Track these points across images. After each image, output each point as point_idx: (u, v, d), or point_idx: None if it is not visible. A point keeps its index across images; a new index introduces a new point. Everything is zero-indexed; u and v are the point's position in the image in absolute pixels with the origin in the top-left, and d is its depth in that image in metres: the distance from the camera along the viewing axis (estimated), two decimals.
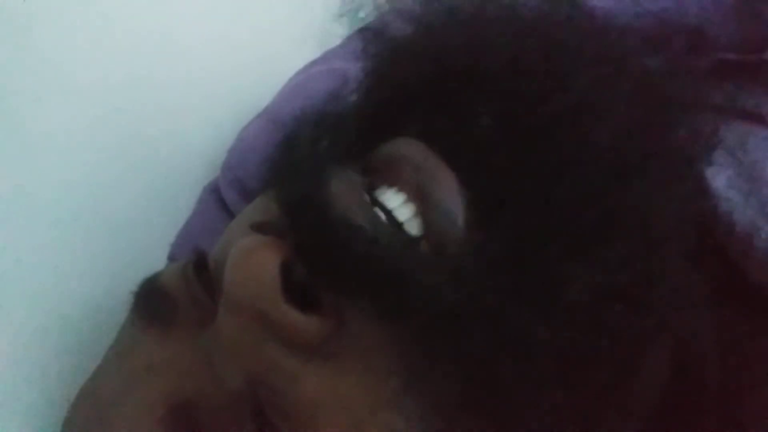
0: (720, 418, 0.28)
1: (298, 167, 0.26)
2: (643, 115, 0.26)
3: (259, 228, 0.27)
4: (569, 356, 0.23)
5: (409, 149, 0.26)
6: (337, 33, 0.32)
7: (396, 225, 0.25)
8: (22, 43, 0.37)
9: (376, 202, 0.26)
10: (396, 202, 0.26)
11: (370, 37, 0.31)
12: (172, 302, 0.29)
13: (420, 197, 0.25)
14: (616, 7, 0.32)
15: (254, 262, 0.25)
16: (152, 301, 0.29)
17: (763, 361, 0.28)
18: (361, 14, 0.31)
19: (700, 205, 0.28)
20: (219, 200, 0.45)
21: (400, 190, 0.26)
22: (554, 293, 0.23)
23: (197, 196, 0.47)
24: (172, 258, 0.43)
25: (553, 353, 0.23)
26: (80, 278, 0.38)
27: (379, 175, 0.26)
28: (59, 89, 0.39)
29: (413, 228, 0.25)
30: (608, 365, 0.24)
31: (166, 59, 0.46)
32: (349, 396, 0.25)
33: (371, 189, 0.26)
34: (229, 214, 0.44)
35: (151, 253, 0.43)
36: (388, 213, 0.26)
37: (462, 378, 0.24)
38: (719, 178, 0.28)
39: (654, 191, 0.24)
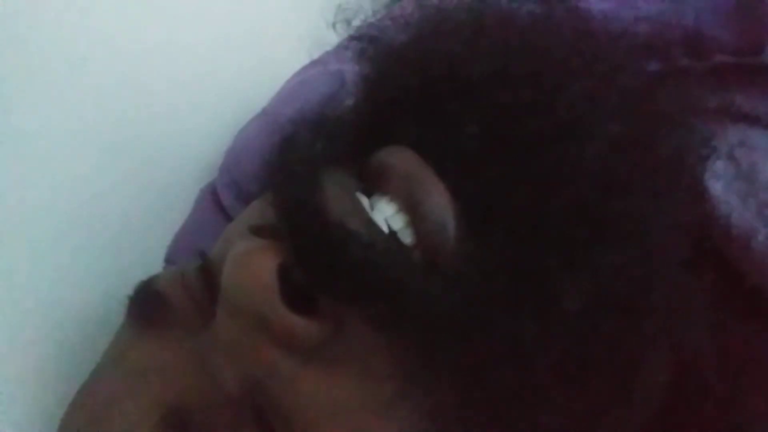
0: (720, 420, 0.28)
1: (295, 170, 0.26)
2: (634, 127, 0.25)
3: (257, 231, 0.27)
4: (566, 364, 0.23)
5: (398, 158, 0.26)
6: (330, 41, 0.31)
7: (392, 231, 0.25)
8: (20, 46, 0.37)
9: (372, 208, 0.26)
10: (389, 211, 0.25)
11: (365, 43, 0.31)
12: (168, 306, 0.29)
13: (410, 208, 0.25)
14: (612, 10, 0.32)
15: (252, 266, 0.24)
16: (148, 305, 0.29)
17: (762, 363, 0.28)
18: (356, 22, 0.31)
19: (697, 212, 0.28)
20: (216, 202, 0.45)
21: (392, 199, 0.25)
22: (549, 302, 0.23)
23: (194, 197, 0.47)
24: (168, 260, 0.43)
25: (549, 361, 0.23)
26: (77, 280, 0.38)
27: (373, 183, 0.26)
28: (55, 91, 0.39)
29: (406, 237, 0.25)
30: (606, 372, 0.24)
31: (162, 61, 0.46)
32: (345, 400, 0.25)
33: (368, 194, 0.26)
34: (226, 216, 0.44)
35: (148, 255, 0.43)
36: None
37: (458, 385, 0.24)
38: (717, 180, 0.28)
39: (648, 201, 0.24)
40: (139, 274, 0.31)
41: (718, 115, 0.30)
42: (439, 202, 0.24)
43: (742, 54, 0.30)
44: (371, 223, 0.25)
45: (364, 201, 0.26)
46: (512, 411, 0.24)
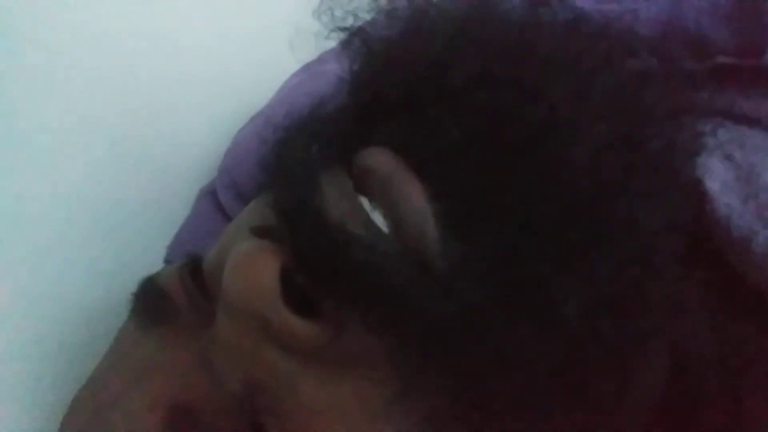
0: (720, 422, 0.28)
1: (292, 172, 0.26)
2: (622, 126, 0.25)
3: (258, 232, 0.27)
4: (562, 368, 0.23)
5: (377, 161, 0.25)
6: (311, 30, 0.31)
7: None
8: (18, 45, 0.37)
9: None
10: (376, 215, 0.25)
11: (350, 35, 0.30)
12: (172, 303, 0.29)
13: (389, 210, 0.24)
14: (611, 11, 0.32)
15: (254, 267, 0.24)
16: (152, 302, 0.29)
17: (761, 364, 0.28)
18: (338, 12, 0.30)
19: (693, 210, 0.28)
20: (215, 203, 0.45)
21: (375, 204, 0.25)
22: (544, 306, 0.23)
23: (194, 198, 0.47)
24: (168, 260, 0.43)
25: (545, 366, 0.23)
26: (77, 280, 0.38)
27: (359, 185, 0.26)
28: (55, 91, 0.39)
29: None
30: (604, 376, 0.24)
31: (162, 61, 0.47)
32: (344, 403, 0.25)
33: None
34: (226, 216, 0.44)
35: (147, 256, 0.43)
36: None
37: (454, 390, 0.24)
38: (717, 182, 0.28)
39: (640, 198, 0.24)
40: (139, 275, 0.31)
41: (718, 116, 0.30)
42: (417, 205, 0.24)
43: (743, 55, 0.30)
44: (371, 225, 0.24)
45: (364, 202, 0.25)
46: (508, 417, 0.24)
